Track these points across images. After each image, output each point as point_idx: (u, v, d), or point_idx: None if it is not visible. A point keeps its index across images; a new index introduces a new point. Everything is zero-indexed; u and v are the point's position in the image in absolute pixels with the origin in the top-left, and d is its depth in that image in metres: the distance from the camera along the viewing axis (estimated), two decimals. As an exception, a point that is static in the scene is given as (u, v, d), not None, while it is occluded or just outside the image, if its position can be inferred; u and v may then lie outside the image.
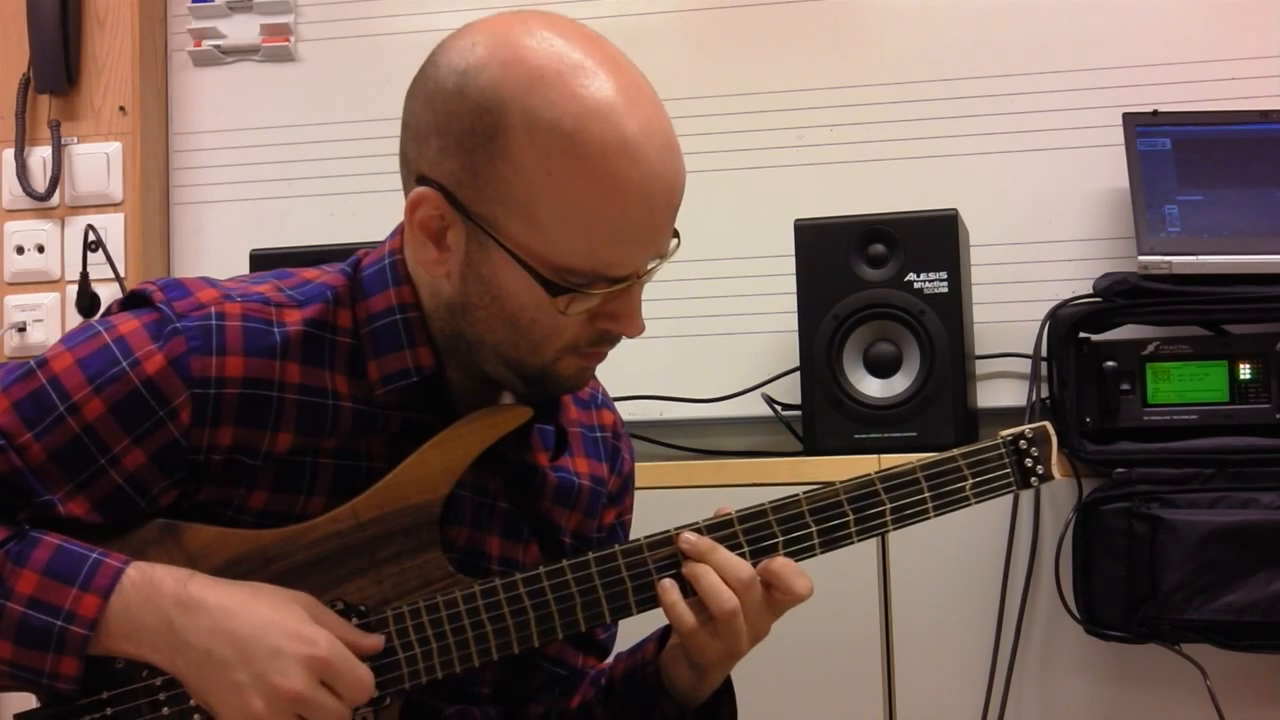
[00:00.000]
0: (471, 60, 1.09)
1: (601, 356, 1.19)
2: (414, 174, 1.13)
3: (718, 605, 1.15)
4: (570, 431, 1.32)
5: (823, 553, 1.21)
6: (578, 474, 1.31)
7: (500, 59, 1.08)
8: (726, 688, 1.27)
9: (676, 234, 1.15)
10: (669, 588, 1.17)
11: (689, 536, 1.18)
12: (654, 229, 1.11)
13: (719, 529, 1.20)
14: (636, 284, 1.13)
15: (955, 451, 1.24)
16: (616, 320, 1.14)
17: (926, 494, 1.22)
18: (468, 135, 1.08)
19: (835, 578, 1.86)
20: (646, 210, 1.09)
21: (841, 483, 1.22)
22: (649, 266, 1.13)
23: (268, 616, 1.09)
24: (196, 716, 1.11)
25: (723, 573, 1.16)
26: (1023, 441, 1.25)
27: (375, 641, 1.14)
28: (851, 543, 1.22)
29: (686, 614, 1.16)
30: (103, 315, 1.19)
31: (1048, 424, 1.27)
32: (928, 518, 1.23)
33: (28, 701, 1.15)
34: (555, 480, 1.29)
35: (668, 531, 1.20)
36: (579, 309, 1.11)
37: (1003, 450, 1.25)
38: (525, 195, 1.07)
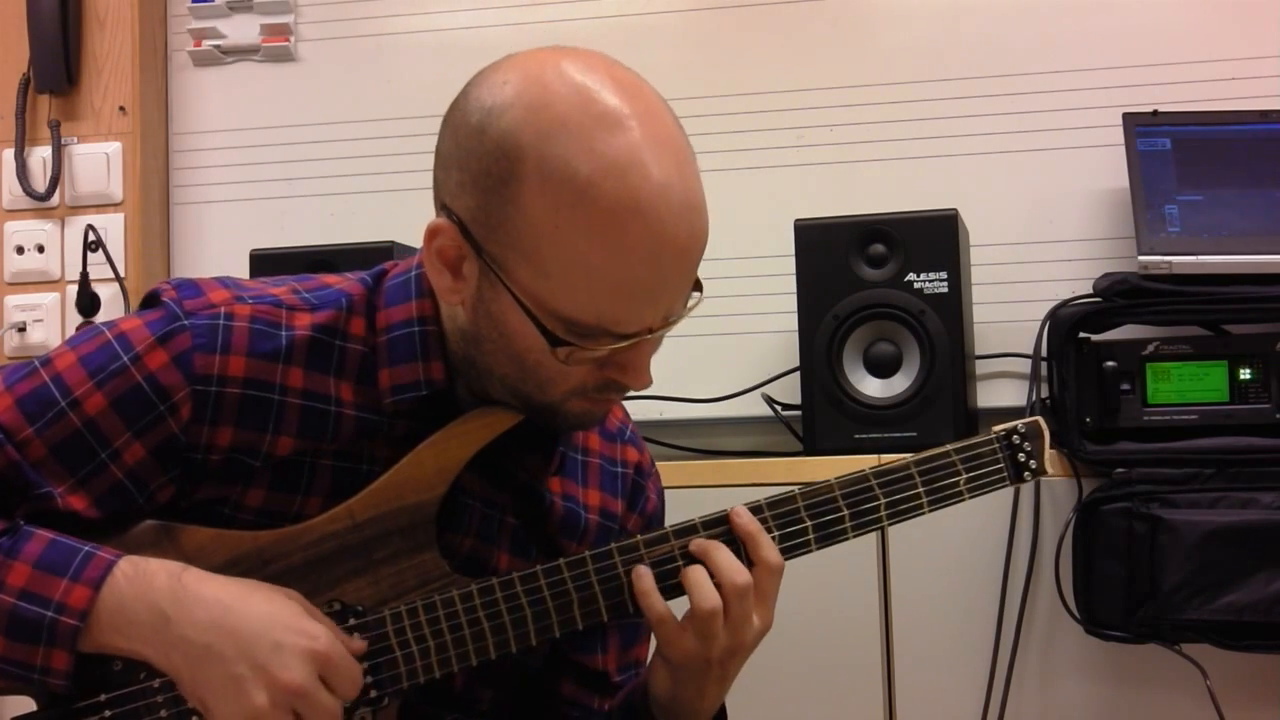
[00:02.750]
0: (498, 99, 1.08)
1: (611, 402, 1.19)
2: (439, 201, 1.13)
3: (698, 602, 1.15)
4: (589, 461, 1.31)
5: (818, 548, 1.22)
6: (586, 506, 1.30)
7: (526, 101, 1.06)
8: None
9: (699, 286, 1.13)
10: (642, 574, 1.17)
11: (699, 540, 1.18)
12: (662, 290, 1.09)
13: (714, 525, 1.20)
14: (646, 340, 1.11)
15: (949, 446, 1.25)
16: (623, 372, 1.13)
17: (921, 489, 1.23)
18: (484, 175, 1.07)
19: (835, 578, 1.88)
20: (654, 272, 1.07)
21: (836, 479, 1.22)
22: (665, 321, 1.11)
23: (265, 610, 1.09)
24: (195, 718, 1.12)
25: (717, 573, 1.16)
26: (1015, 436, 1.26)
27: (359, 645, 1.13)
28: (847, 538, 1.22)
29: (657, 602, 1.16)
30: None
31: (1040, 419, 1.28)
32: (922, 513, 1.23)
33: (26, 705, 1.14)
34: (561, 510, 1.28)
35: (664, 529, 1.20)
36: (581, 359, 1.10)
37: (995, 445, 1.26)
38: (533, 244, 1.06)
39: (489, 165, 1.07)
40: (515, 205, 1.06)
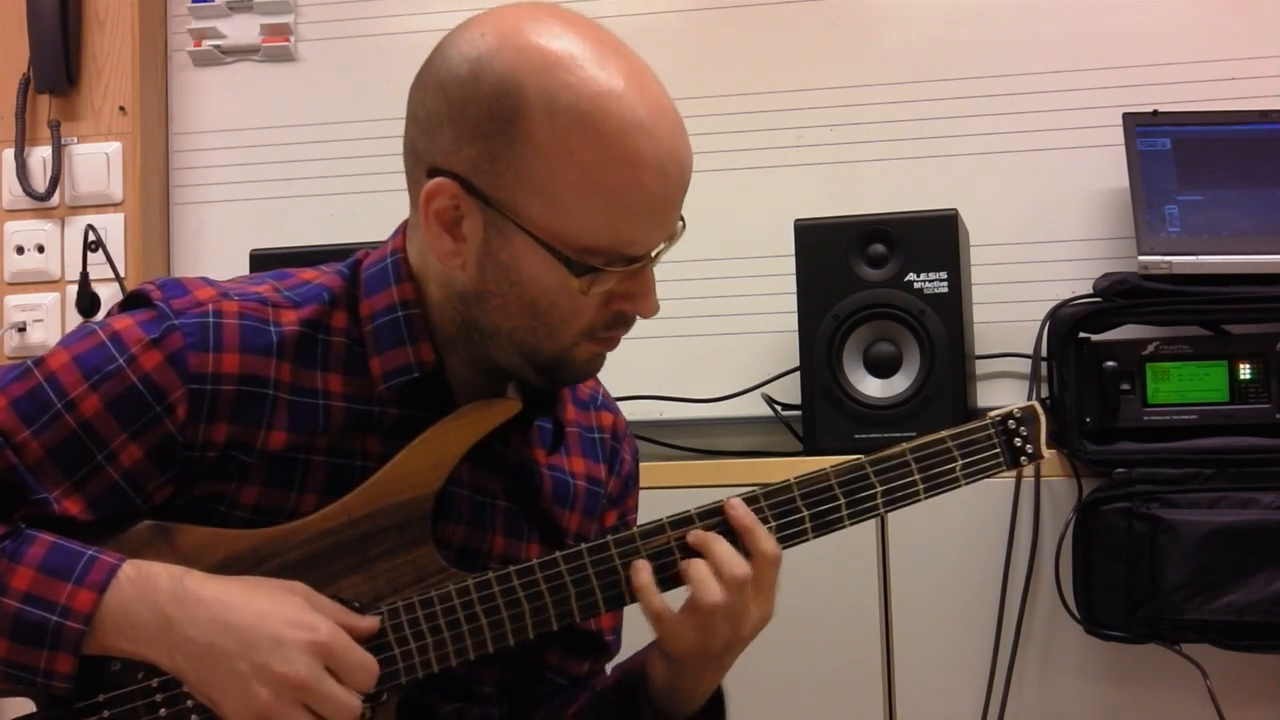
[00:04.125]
0: (483, 48, 1.10)
1: (616, 341, 1.20)
2: (425, 166, 1.13)
3: (703, 596, 1.15)
4: (568, 431, 1.32)
5: (815, 537, 1.21)
6: (573, 474, 1.32)
7: (513, 45, 1.09)
8: (717, 703, 1.27)
9: (682, 218, 1.17)
10: (640, 568, 1.17)
11: (696, 532, 1.18)
12: (668, 206, 1.13)
13: (710, 515, 1.20)
14: (650, 264, 1.14)
15: (944, 433, 1.24)
16: (633, 300, 1.15)
17: (916, 476, 1.23)
18: (485, 121, 1.09)
19: (835, 577, 1.88)
20: (663, 186, 1.11)
21: (832, 468, 1.22)
22: (660, 247, 1.15)
23: (265, 606, 1.09)
24: (194, 718, 1.11)
25: (717, 566, 1.16)
26: (1011, 421, 1.26)
27: (371, 623, 1.13)
28: (843, 526, 1.22)
29: (654, 598, 1.16)
30: (101, 317, 1.20)
31: (1036, 404, 1.27)
32: (919, 499, 1.23)
33: (26, 706, 1.14)
34: (551, 480, 1.29)
35: (659, 521, 1.20)
36: (599, 290, 1.12)
37: (991, 431, 1.25)
38: (546, 176, 1.08)
39: (490, 109, 1.09)
40: (524, 141, 1.08)
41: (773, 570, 1.18)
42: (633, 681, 1.27)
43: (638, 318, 1.18)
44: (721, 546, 1.17)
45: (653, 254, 1.14)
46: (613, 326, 1.17)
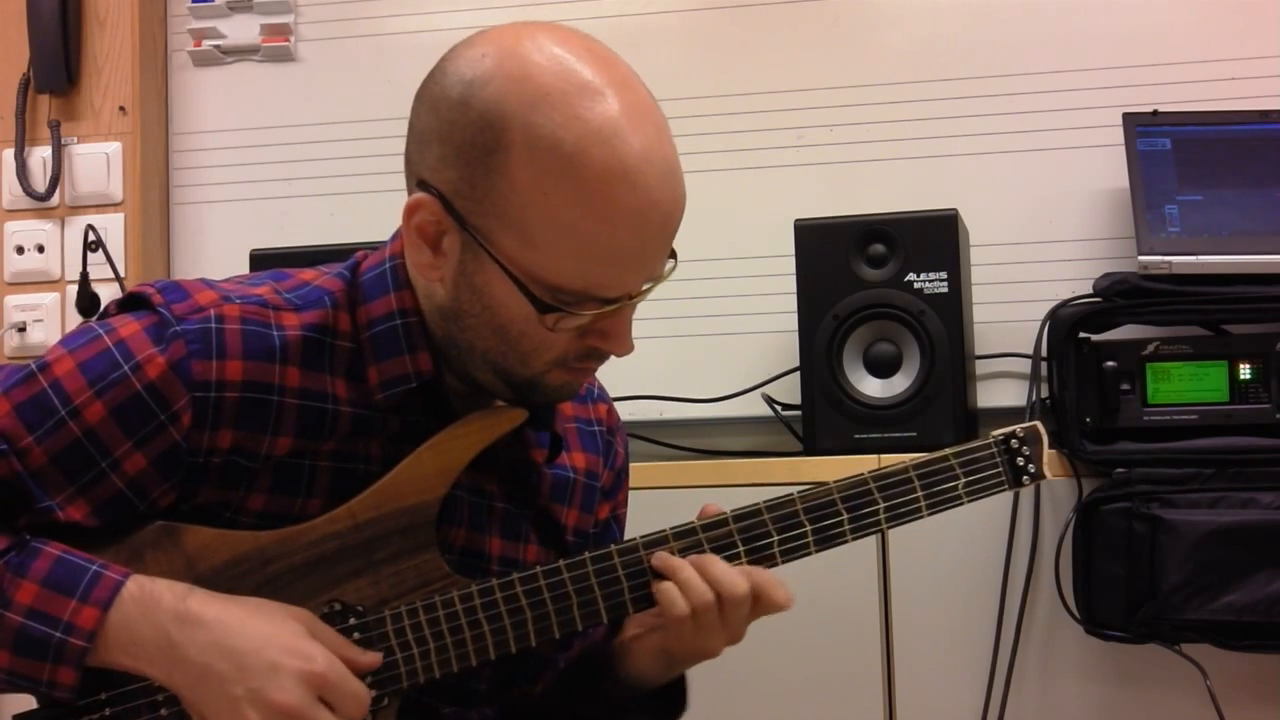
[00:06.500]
0: (479, 71, 1.09)
1: (590, 372, 1.20)
2: (415, 177, 1.13)
3: (669, 611, 1.17)
4: (567, 428, 1.32)
5: (817, 551, 1.23)
6: (574, 469, 1.32)
7: (506, 73, 1.08)
8: (680, 677, 1.29)
9: (674, 254, 1.15)
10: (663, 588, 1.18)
11: (660, 557, 1.20)
12: (647, 254, 1.12)
13: (714, 528, 1.20)
14: (627, 305, 1.13)
15: (947, 451, 1.25)
16: (605, 339, 1.15)
17: (920, 493, 1.24)
18: (468, 147, 1.08)
19: (835, 578, 1.88)
20: (640, 236, 1.09)
21: (835, 483, 1.23)
22: (642, 288, 1.13)
23: (266, 632, 1.09)
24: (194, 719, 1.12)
25: (706, 574, 1.18)
26: (1014, 441, 1.27)
27: (373, 658, 1.14)
28: (845, 541, 1.23)
29: (679, 600, 1.17)
30: (101, 317, 1.19)
31: (1038, 424, 1.29)
32: (921, 516, 1.24)
33: (27, 702, 1.15)
34: (550, 476, 1.29)
35: (663, 531, 1.20)
36: (567, 326, 1.12)
37: (994, 450, 1.26)
38: (520, 213, 1.08)
39: (473, 137, 1.08)
40: (501, 175, 1.07)
41: (737, 607, 1.19)
42: (595, 658, 1.29)
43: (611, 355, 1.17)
44: (686, 573, 1.18)
45: (632, 296, 1.12)
46: (586, 359, 1.17)
